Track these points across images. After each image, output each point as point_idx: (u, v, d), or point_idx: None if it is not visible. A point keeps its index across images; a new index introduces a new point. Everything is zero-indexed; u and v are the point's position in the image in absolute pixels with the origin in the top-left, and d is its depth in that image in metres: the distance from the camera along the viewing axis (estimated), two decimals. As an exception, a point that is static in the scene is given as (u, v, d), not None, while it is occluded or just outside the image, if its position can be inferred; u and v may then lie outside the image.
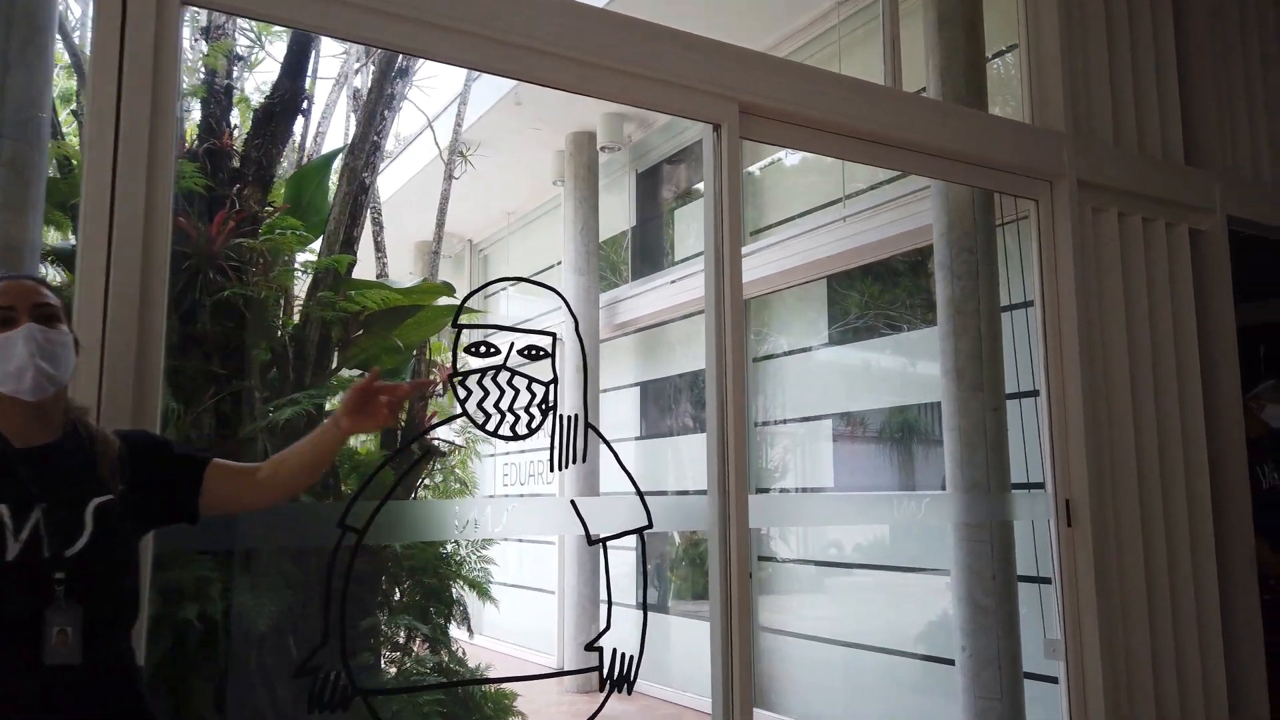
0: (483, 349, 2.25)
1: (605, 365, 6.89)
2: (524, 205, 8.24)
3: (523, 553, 8.30)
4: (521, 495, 7.47)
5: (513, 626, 8.01)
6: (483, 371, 2.23)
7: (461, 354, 2.36)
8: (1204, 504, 3.50)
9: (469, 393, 2.23)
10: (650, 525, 2.42)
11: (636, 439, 6.88)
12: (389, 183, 7.92)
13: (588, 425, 2.37)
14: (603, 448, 2.59)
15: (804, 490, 5.78)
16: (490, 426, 2.24)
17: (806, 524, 5.28)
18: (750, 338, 5.96)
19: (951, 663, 3.68)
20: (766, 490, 5.97)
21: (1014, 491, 3.54)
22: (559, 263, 7.14)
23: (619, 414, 7.04)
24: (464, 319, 2.95)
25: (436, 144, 5.25)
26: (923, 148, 3.12)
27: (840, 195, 5.28)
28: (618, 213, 7.37)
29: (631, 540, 6.38)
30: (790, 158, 5.97)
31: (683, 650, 6.07)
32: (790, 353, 5.79)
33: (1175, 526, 3.41)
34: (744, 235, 6.09)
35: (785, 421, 5.84)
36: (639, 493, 2.45)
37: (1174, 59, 3.82)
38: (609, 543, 2.45)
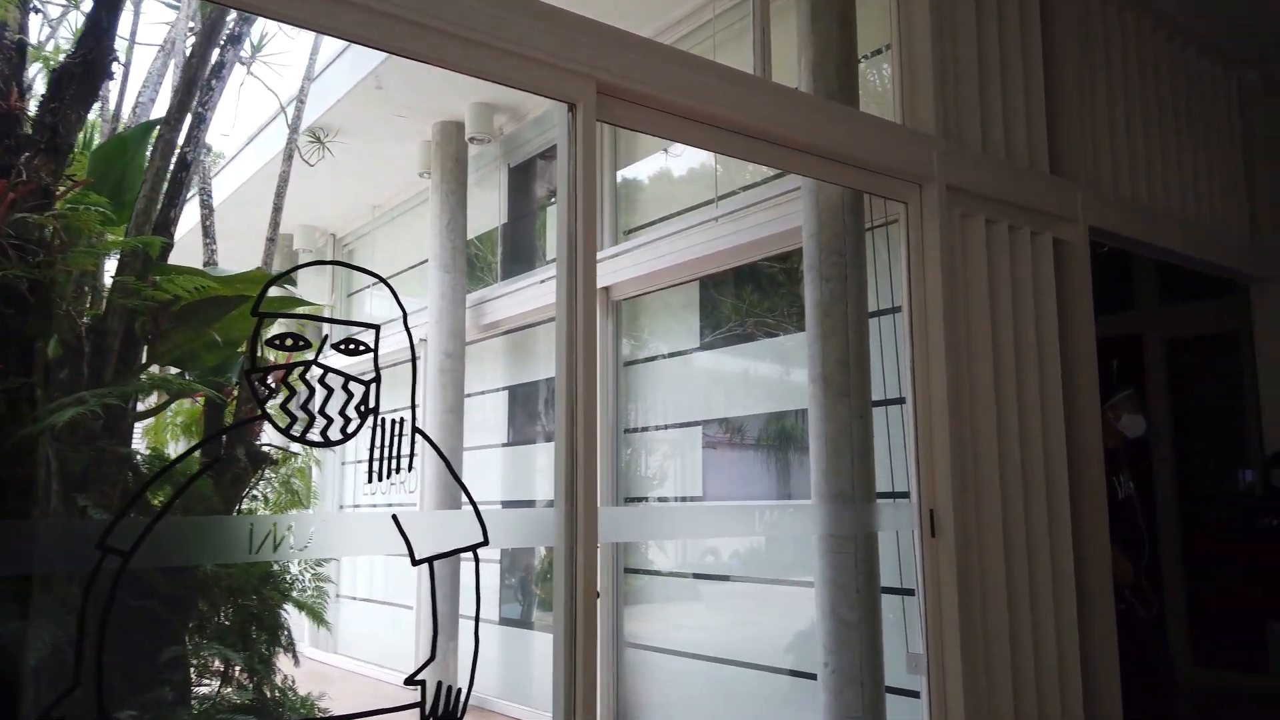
0: (289, 341, 1.95)
1: (473, 368, 6.57)
2: (391, 198, 7.83)
3: (389, 566, 7.87)
4: (390, 506, 7.07)
5: (372, 643, 7.59)
6: (288, 368, 1.94)
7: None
8: (1064, 515, 3.49)
9: (270, 392, 1.93)
10: (486, 542, 2.17)
11: (504, 445, 6.59)
12: (242, 170, 7.41)
13: (415, 430, 2.10)
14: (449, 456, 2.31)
15: (682, 499, 5.61)
16: (296, 430, 1.94)
17: (661, 537, 5.11)
18: (622, 341, 5.78)
19: (816, 678, 3.56)
20: (643, 499, 5.78)
21: (879, 501, 3.45)
22: (428, 260, 6.78)
23: (486, 419, 6.73)
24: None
25: (288, 124, 4.86)
26: (793, 143, 2.99)
27: (713, 195, 5.16)
28: (489, 208, 7.07)
29: (496, 553, 6.05)
30: (670, 157, 5.82)
31: (546, 668, 5.81)
32: (662, 356, 5.63)
33: (1036, 538, 3.39)
34: (619, 234, 5.91)
35: (662, 428, 5.67)
36: (474, 506, 2.19)
37: (1041, 69, 3.83)
38: (469, 560, 2.21)
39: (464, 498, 2.35)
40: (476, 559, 2.19)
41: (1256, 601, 5.03)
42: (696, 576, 5.50)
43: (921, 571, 3.18)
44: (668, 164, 5.86)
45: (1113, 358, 3.95)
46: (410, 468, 2.09)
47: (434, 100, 6.20)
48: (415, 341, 2.07)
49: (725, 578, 5.38)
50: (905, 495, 3.29)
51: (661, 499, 5.72)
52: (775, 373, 5.15)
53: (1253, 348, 5.23)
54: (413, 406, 2.13)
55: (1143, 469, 5.63)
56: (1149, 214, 4.25)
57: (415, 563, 2.09)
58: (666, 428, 5.64)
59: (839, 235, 3.46)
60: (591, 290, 2.51)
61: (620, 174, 6.04)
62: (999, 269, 3.45)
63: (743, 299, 5.22)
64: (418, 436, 2.13)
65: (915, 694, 3.36)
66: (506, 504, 6.39)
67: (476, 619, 2.18)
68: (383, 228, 8.18)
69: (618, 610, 5.44)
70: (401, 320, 2.19)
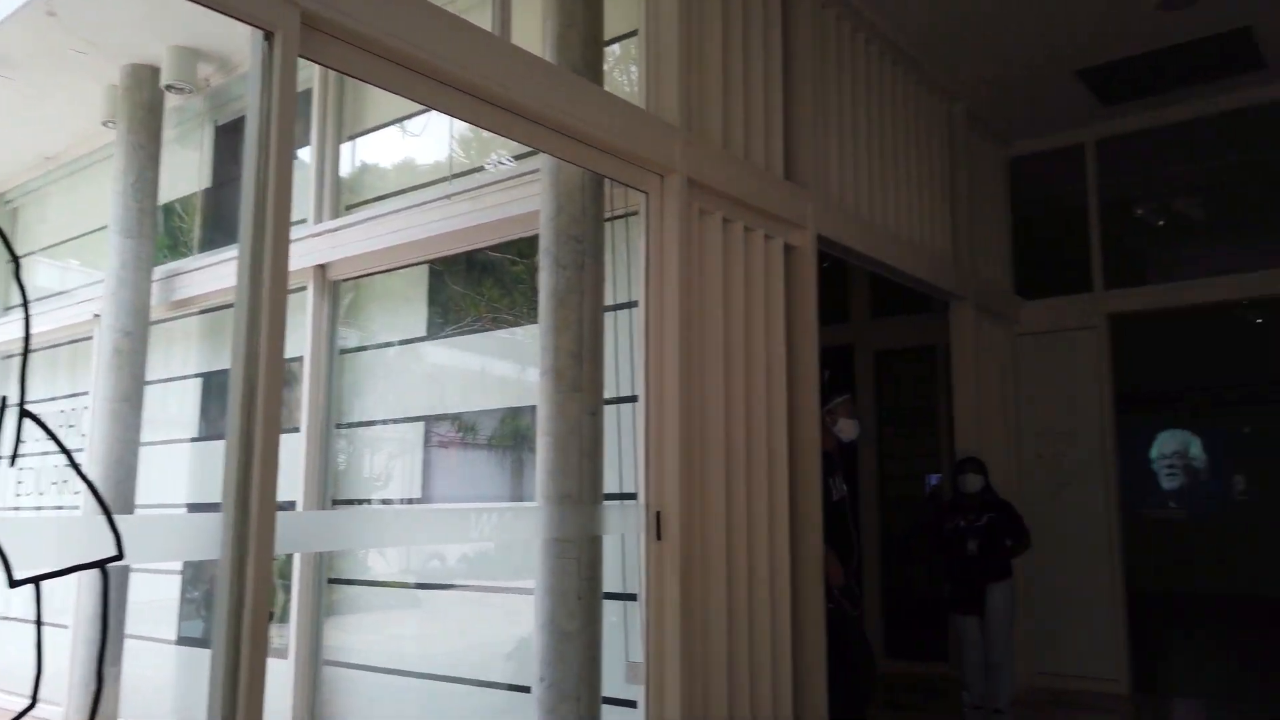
0: None
1: (159, 350, 5.72)
2: (68, 149, 6.69)
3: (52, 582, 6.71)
4: (59, 509, 6.02)
5: (22, 669, 6.43)
6: None
7: None
8: (784, 517, 3.52)
9: None
10: (120, 556, 1.72)
11: (194, 440, 5.80)
12: None
13: (23, 414, 1.62)
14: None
15: (408, 502, 5.17)
16: None
17: (354, 546, 4.66)
18: (339, 326, 5.26)
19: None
20: (363, 501, 5.28)
21: (606, 503, 3.29)
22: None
23: (173, 410, 5.90)
24: None
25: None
26: (530, 113, 2.74)
27: (447, 173, 4.81)
28: (189, 170, 6.23)
29: (176, 563, 5.19)
30: (407, 135, 5.37)
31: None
32: (385, 345, 5.18)
33: (756, 540, 3.38)
34: (340, 208, 5.38)
35: (382, 423, 5.21)
36: (105, 510, 1.74)
37: (780, 77, 3.87)
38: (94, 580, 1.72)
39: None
40: (105, 576, 1.73)
41: (941, 598, 5.44)
42: (419, 585, 5.10)
43: (645, 576, 3.05)
44: (404, 140, 5.42)
45: (825, 367, 4.05)
46: (13, 461, 1.60)
47: (123, 37, 5.31)
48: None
49: (449, 586, 5.03)
50: (633, 496, 3.14)
51: (386, 501, 5.26)
52: (509, 367, 4.88)
53: (949, 361, 5.68)
54: (22, 383, 1.65)
55: (849, 472, 5.94)
56: (870, 228, 4.44)
57: (13, 584, 1.60)
58: (387, 423, 5.20)
59: (577, 220, 3.26)
60: (283, 251, 2.12)
61: (346, 146, 5.51)
62: (733, 269, 3.41)
63: (482, 292, 4.91)
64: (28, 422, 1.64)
65: (633, 704, 3.22)
66: (194, 507, 5.62)
67: (100, 655, 1.73)
68: (58, 183, 6.99)
69: (316, 624, 4.91)
70: (15, 274, 1.69)
